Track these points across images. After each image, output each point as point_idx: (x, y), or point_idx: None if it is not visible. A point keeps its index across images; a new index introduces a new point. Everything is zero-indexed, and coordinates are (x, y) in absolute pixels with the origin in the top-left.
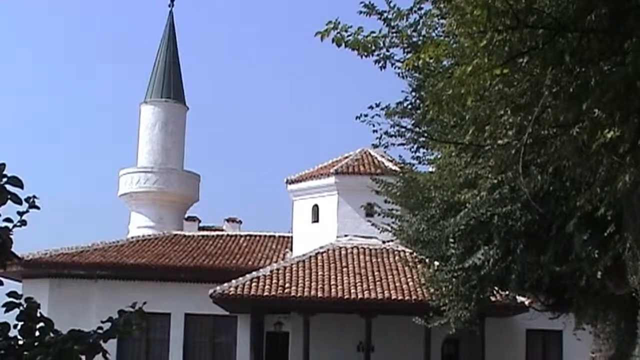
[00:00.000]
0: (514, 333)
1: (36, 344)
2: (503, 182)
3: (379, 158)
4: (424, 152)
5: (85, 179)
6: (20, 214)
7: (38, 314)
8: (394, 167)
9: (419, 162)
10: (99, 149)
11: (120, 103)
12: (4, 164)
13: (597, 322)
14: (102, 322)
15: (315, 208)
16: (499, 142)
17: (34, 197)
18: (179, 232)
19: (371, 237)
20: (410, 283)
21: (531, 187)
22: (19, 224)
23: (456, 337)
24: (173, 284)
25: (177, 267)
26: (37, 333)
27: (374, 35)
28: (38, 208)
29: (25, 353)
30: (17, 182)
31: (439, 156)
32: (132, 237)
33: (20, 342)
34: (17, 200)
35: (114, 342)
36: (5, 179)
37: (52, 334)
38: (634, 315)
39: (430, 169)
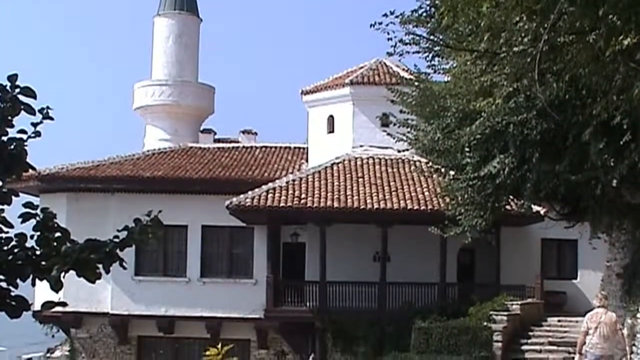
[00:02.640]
0: (529, 242)
1: (53, 254)
2: (519, 90)
3: (394, 68)
4: (439, 61)
5: (101, 92)
6: (35, 125)
7: (54, 224)
8: (409, 77)
9: (434, 71)
10: (114, 63)
11: (134, 16)
12: (16, 75)
13: (612, 231)
14: (118, 230)
15: (331, 119)
16: (515, 49)
17: (48, 107)
18: (194, 145)
19: (387, 147)
20: (426, 193)
21: (547, 95)
22: (33, 134)
23: (472, 246)
24: (189, 196)
25: (193, 179)
26: (54, 243)
27: None
28: (52, 119)
29: (42, 263)
30: (30, 93)
31: (454, 65)
32: (148, 150)
33: (38, 253)
34: (30, 110)
35: (132, 256)
36: (18, 90)
37: (68, 244)
38: None
39: (446, 78)
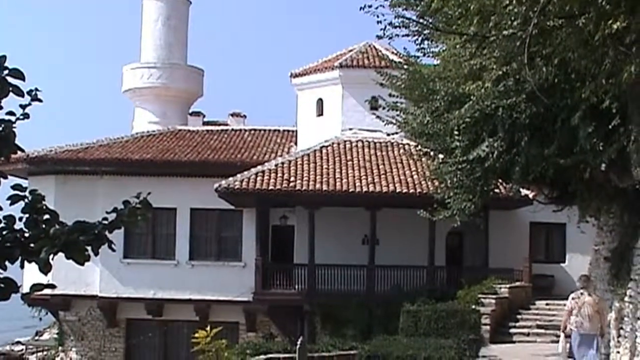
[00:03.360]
0: (517, 226)
1: (42, 236)
2: (508, 74)
3: (384, 51)
4: (428, 44)
5: (89, 75)
6: (23, 107)
7: (43, 207)
8: (398, 60)
9: (424, 55)
10: (103, 46)
11: None
12: (4, 56)
13: (600, 215)
14: (107, 212)
15: (320, 102)
16: (504, 32)
17: (36, 89)
18: (183, 127)
19: (376, 131)
20: (415, 176)
21: (536, 78)
22: (21, 117)
23: (460, 229)
24: (178, 179)
25: (182, 162)
26: (42, 225)
27: None
28: (40, 101)
29: (31, 245)
30: (18, 74)
31: (443, 48)
32: (137, 133)
33: (26, 235)
34: (19, 92)
35: (121, 239)
36: (6, 71)
37: (57, 226)
38: (637, 208)
39: (435, 61)
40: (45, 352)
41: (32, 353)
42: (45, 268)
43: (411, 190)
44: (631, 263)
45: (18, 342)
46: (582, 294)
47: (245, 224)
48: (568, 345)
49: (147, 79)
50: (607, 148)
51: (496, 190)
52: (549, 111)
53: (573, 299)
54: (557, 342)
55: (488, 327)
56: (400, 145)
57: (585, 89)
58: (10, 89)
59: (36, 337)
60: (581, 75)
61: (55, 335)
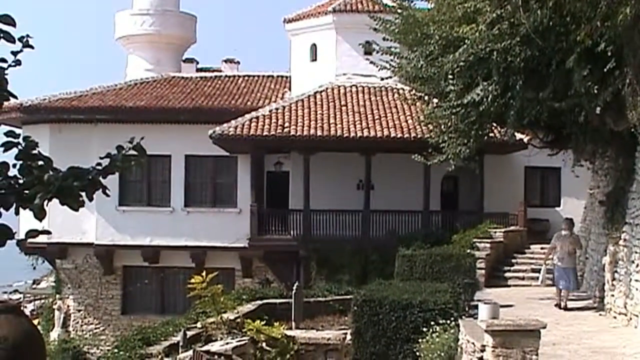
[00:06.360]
0: (512, 170)
1: (36, 182)
2: (502, 17)
3: None
4: None
5: (82, 23)
6: (14, 53)
7: (37, 153)
8: (392, 4)
9: None
10: None
11: None
12: None
13: (595, 158)
14: (101, 158)
15: (314, 47)
16: None
17: (28, 36)
18: (176, 74)
19: (370, 76)
20: (409, 121)
21: (531, 21)
22: (13, 63)
23: (455, 174)
24: (172, 125)
25: (176, 108)
26: (36, 172)
27: None
28: (32, 47)
29: (25, 192)
30: (9, 20)
31: None
32: (131, 81)
33: (20, 181)
34: (9, 38)
35: (116, 186)
36: None
37: (51, 172)
38: (632, 152)
39: (429, 5)
40: (42, 300)
41: (30, 301)
42: (39, 214)
43: (406, 135)
44: (626, 207)
45: (15, 291)
46: (564, 235)
47: (240, 170)
48: (550, 275)
49: (140, 25)
50: (602, 91)
51: (491, 135)
52: (544, 54)
53: (558, 238)
54: (552, 285)
55: (483, 272)
56: (395, 90)
57: (580, 31)
58: (1, 35)
59: (33, 286)
60: (576, 17)
61: (53, 284)
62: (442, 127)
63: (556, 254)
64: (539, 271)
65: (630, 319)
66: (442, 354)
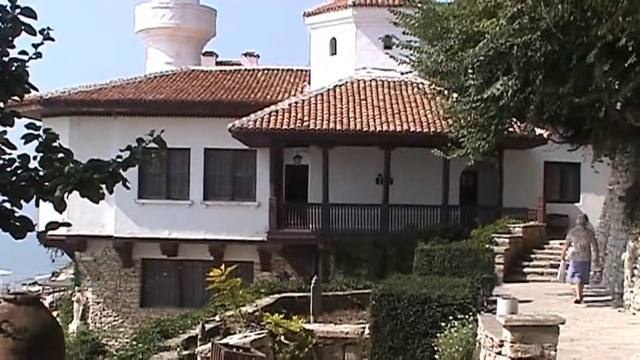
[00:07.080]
0: (532, 165)
1: (56, 174)
2: (523, 11)
3: None
4: None
5: (103, 15)
6: (35, 46)
7: (57, 145)
8: None
9: None
10: None
11: None
12: None
13: (615, 154)
14: (121, 150)
15: (333, 41)
16: None
17: (49, 28)
18: (196, 68)
19: (389, 70)
20: (429, 115)
21: (551, 16)
22: (34, 56)
23: (474, 168)
24: (192, 119)
25: (196, 102)
26: (56, 164)
27: None
28: (53, 40)
29: (46, 184)
30: (30, 13)
31: None
32: (150, 74)
33: (41, 173)
34: (31, 31)
35: (135, 179)
36: (18, 10)
37: (71, 164)
38: None
39: None
40: (61, 293)
41: (49, 293)
42: (60, 206)
43: (425, 129)
44: None
45: (35, 283)
46: (578, 229)
47: (260, 163)
48: (567, 271)
49: (160, 19)
50: (623, 86)
51: (510, 129)
52: (564, 49)
53: (572, 233)
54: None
55: (502, 267)
56: (414, 84)
57: (602, 26)
58: (23, 27)
59: (52, 278)
60: (597, 12)
61: (72, 276)
62: (462, 121)
63: (571, 248)
64: (557, 267)
65: None
66: (460, 349)
